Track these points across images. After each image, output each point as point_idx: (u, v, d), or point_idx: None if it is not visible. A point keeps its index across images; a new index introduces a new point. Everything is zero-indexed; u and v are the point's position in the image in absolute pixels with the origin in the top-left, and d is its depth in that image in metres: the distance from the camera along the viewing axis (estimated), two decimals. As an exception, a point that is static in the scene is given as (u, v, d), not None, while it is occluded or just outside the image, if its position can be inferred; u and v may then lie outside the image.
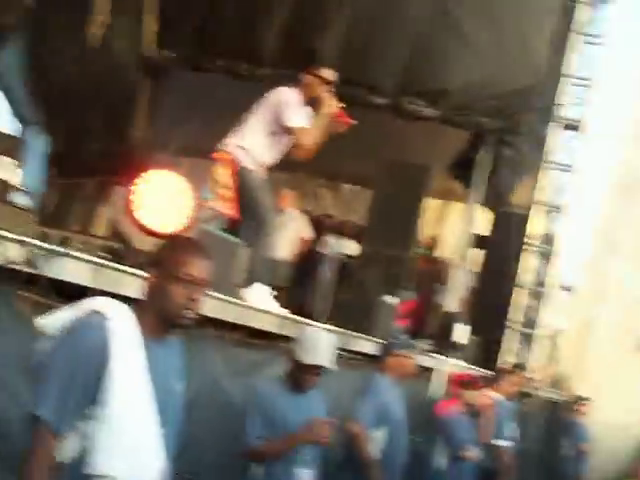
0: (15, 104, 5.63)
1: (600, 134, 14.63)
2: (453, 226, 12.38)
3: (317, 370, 4.45)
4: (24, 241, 3.64)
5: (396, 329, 7.79)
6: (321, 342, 4.50)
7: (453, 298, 10.17)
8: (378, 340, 6.46)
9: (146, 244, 6.06)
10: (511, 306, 10.81)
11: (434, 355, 8.43)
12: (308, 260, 9.60)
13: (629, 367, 15.75)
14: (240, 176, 6.12)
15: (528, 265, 11.13)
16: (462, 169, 10.31)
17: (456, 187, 11.15)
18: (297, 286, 9.14)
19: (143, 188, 6.40)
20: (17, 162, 6.03)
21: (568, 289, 15.86)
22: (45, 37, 7.77)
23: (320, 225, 10.95)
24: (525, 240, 10.93)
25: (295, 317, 5.99)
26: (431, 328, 9.71)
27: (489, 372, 9.10)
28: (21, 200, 4.93)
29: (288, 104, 6.12)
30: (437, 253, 12.05)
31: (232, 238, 5.83)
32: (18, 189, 5.15)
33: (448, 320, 9.53)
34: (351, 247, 9.77)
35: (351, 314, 7.45)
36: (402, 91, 9.45)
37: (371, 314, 7.61)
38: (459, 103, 9.44)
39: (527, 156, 10.37)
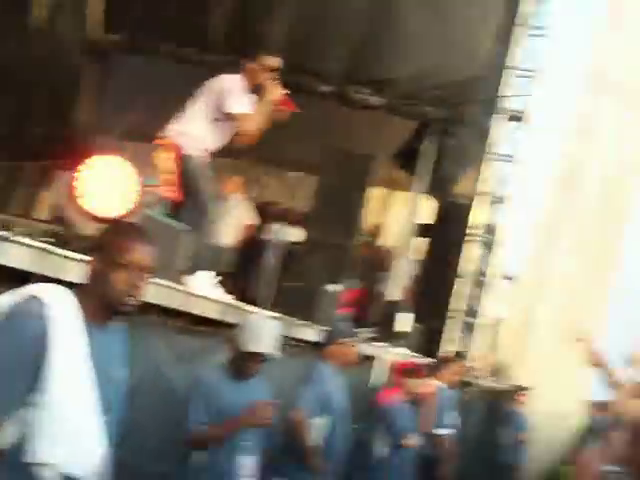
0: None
1: (543, 127, 14.78)
2: (397, 215, 12.42)
3: (260, 357, 4.46)
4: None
5: (339, 317, 7.81)
6: (264, 330, 4.51)
7: (396, 286, 10.23)
8: (321, 328, 6.47)
9: (89, 229, 6.01)
10: (453, 295, 10.91)
11: (377, 343, 8.47)
12: (252, 247, 9.59)
13: (568, 357, 15.94)
14: (183, 163, 6.09)
15: (471, 255, 11.22)
16: (407, 158, 10.39)
17: (401, 176, 11.22)
18: (241, 273, 9.14)
19: (87, 173, 6.34)
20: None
21: (509, 279, 16.02)
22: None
23: (264, 212, 10.91)
24: (468, 230, 11.02)
25: (238, 304, 5.98)
26: (374, 316, 9.73)
27: (432, 360, 9.16)
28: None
29: (230, 91, 6.10)
30: (381, 241, 12.09)
31: (176, 224, 5.79)
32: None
33: (391, 308, 9.57)
34: (295, 234, 9.76)
35: (295, 301, 7.46)
36: (348, 79, 9.50)
37: (314, 302, 7.63)
38: (404, 92, 9.51)
39: (471, 147, 10.48)
